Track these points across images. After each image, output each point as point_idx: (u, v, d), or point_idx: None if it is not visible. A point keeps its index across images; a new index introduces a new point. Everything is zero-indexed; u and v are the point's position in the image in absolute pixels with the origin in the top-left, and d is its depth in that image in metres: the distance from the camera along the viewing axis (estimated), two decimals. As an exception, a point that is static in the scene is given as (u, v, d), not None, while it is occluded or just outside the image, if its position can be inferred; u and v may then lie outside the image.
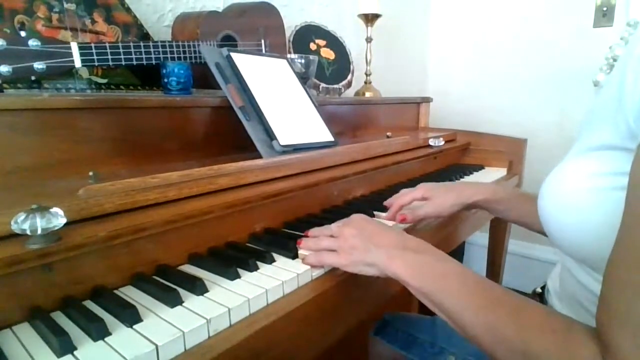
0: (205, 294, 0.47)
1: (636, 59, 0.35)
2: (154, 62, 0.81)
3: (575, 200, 0.41)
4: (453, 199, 0.74)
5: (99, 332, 0.39)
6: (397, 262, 0.48)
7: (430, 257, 0.49)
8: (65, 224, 0.43)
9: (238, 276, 0.51)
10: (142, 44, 0.78)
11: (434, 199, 0.74)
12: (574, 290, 0.49)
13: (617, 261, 0.33)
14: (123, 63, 0.77)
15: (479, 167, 1.34)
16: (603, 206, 0.38)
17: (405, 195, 0.76)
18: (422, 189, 0.76)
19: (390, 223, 0.73)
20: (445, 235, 0.89)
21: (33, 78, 0.72)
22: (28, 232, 0.40)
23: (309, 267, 0.54)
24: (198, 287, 0.47)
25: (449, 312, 0.43)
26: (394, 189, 0.98)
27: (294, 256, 0.58)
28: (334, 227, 0.58)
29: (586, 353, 0.34)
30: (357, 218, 0.58)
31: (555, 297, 0.54)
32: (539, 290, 0.62)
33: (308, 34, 1.31)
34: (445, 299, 0.43)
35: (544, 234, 0.70)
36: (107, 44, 0.74)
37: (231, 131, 0.77)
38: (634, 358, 0.30)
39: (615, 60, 0.43)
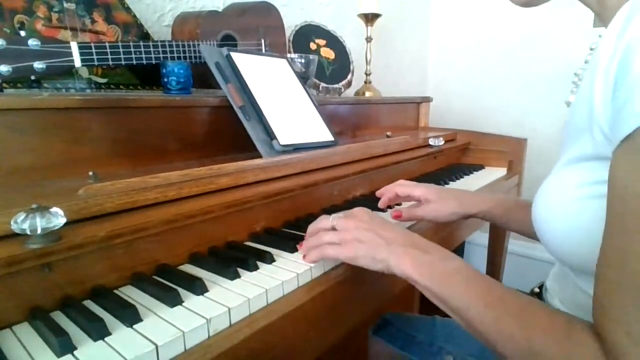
0: (205, 294, 0.47)
1: (602, 70, 0.36)
2: (153, 61, 0.81)
3: (562, 211, 0.43)
4: (454, 207, 0.71)
5: (99, 332, 0.39)
6: (407, 261, 0.47)
7: (437, 256, 0.48)
8: (65, 224, 0.43)
9: (238, 276, 0.51)
10: (142, 43, 0.78)
11: (433, 203, 0.71)
12: (575, 295, 0.49)
13: (604, 262, 0.34)
14: (123, 63, 0.77)
15: (479, 167, 1.34)
16: (589, 215, 0.39)
17: (403, 187, 0.72)
18: (422, 190, 0.71)
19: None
20: (445, 234, 0.89)
21: (33, 78, 0.72)
22: (28, 232, 0.40)
23: (308, 267, 0.54)
24: (198, 287, 0.47)
25: (456, 308, 0.44)
26: (394, 189, 0.98)
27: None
28: (333, 219, 0.55)
29: (588, 351, 0.34)
30: (361, 211, 0.56)
31: (556, 298, 0.54)
32: (536, 290, 0.62)
33: (308, 33, 1.31)
34: (452, 296, 0.44)
35: None
36: (106, 44, 0.74)
37: (231, 131, 0.77)
38: (632, 355, 0.31)
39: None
